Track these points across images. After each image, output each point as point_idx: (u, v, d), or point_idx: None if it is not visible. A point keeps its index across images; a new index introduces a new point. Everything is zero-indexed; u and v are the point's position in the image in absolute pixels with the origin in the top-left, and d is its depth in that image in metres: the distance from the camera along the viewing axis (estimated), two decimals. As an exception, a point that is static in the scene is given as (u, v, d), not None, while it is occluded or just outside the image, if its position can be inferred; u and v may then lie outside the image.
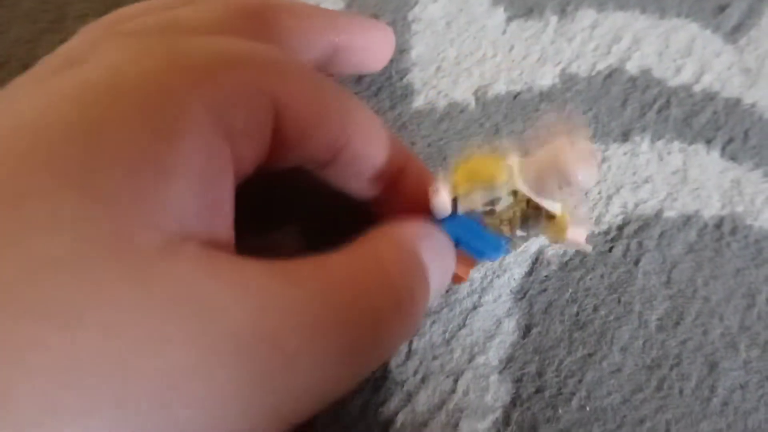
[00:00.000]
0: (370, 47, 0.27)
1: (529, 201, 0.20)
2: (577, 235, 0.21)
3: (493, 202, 0.20)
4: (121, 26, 0.19)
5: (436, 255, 0.21)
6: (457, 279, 0.24)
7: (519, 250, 0.22)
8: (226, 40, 0.19)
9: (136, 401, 0.12)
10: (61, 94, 0.15)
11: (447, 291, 0.27)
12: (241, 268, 0.15)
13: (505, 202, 0.20)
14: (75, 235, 0.13)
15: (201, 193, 0.15)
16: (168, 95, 0.15)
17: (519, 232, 0.22)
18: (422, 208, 0.22)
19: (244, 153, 0.18)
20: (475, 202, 0.21)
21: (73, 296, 0.12)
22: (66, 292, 0.12)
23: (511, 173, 0.20)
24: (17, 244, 0.13)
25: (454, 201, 0.21)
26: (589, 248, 0.22)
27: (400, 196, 0.23)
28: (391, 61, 0.32)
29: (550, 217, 0.21)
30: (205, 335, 0.13)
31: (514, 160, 0.20)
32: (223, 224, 0.17)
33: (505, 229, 0.21)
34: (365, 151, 0.22)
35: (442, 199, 0.21)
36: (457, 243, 0.22)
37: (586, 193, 0.21)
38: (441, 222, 0.22)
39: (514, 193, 0.20)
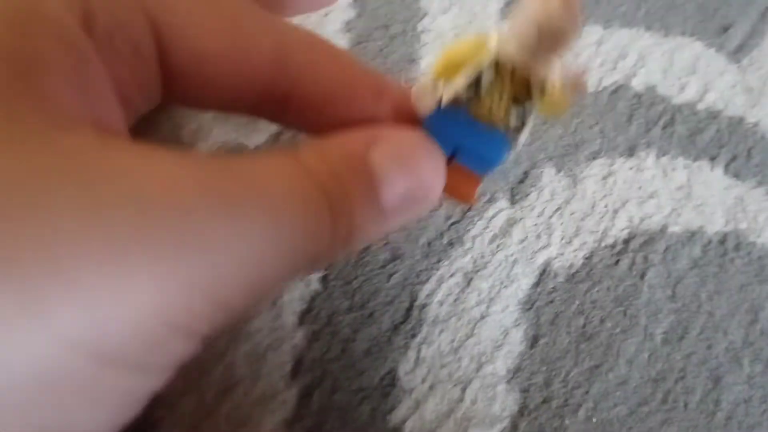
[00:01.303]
0: None
1: (514, 78, 0.18)
2: (576, 76, 0.18)
3: (477, 83, 0.18)
4: None
5: (398, 156, 0.18)
6: (463, 197, 0.21)
7: (518, 148, 0.20)
8: None
9: (22, 267, 0.11)
10: None
11: (457, 214, 0.26)
12: (143, 148, 0.14)
13: (487, 77, 0.18)
14: None
15: (74, 83, 0.15)
16: (28, 5, 0.15)
17: (513, 121, 0.19)
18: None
19: (126, 66, 0.17)
20: (457, 85, 0.18)
21: None
22: None
23: (491, 44, 0.17)
24: None
25: (439, 101, 0.18)
26: (586, 86, 0.19)
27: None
28: (400, 71, 0.32)
29: (542, 90, 0.18)
30: (101, 201, 0.12)
31: (493, 36, 0.17)
32: (112, 118, 0.16)
33: (497, 118, 0.19)
34: (319, 72, 0.19)
35: (423, 91, 0.18)
36: (453, 155, 0.20)
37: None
38: (429, 126, 0.19)
39: (496, 66, 0.18)
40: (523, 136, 0.19)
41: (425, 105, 0.19)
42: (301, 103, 0.19)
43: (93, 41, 0.16)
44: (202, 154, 0.15)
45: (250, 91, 0.19)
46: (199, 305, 0.13)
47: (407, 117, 0.19)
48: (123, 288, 0.12)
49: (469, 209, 0.27)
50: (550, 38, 0.16)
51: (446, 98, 0.18)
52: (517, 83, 0.18)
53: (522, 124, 0.19)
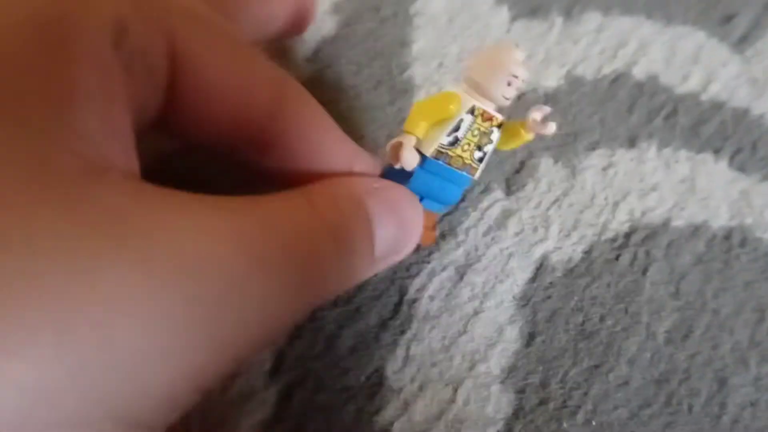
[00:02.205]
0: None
1: (484, 117, 0.21)
2: (536, 117, 0.21)
3: (456, 132, 0.20)
4: None
5: (388, 206, 0.20)
6: (426, 239, 0.23)
7: (476, 176, 0.22)
8: None
9: (74, 327, 0.11)
10: None
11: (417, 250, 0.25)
12: (172, 196, 0.14)
13: (466, 122, 0.20)
14: None
15: (104, 118, 0.14)
16: (62, 15, 0.14)
17: (476, 154, 0.21)
18: None
19: (137, 87, 0.16)
20: (442, 138, 0.20)
21: None
22: None
23: (462, 95, 0.20)
24: None
25: (419, 151, 0.20)
26: (553, 128, 0.21)
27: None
28: (391, 55, 0.31)
29: (500, 125, 0.21)
30: (144, 257, 0.12)
31: (459, 87, 0.21)
32: (132, 156, 0.15)
33: (466, 156, 0.21)
34: (306, 131, 0.19)
35: (408, 149, 0.20)
36: (421, 198, 0.22)
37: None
38: (408, 176, 0.21)
39: (472, 111, 0.20)
40: (480, 171, 0.22)
41: (410, 159, 0.20)
42: (282, 155, 0.20)
43: (119, 61, 0.15)
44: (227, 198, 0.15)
45: (240, 132, 0.19)
46: (224, 366, 0.14)
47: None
48: (166, 357, 0.12)
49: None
50: (509, 74, 0.20)
51: (430, 153, 0.20)
52: (484, 124, 0.21)
53: (482, 154, 0.21)
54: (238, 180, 0.24)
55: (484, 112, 0.21)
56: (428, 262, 0.26)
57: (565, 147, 0.30)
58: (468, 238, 0.27)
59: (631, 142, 0.30)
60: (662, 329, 0.26)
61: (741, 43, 0.35)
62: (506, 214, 0.27)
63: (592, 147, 0.30)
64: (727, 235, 0.29)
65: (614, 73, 0.32)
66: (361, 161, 0.21)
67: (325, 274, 0.17)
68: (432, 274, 0.26)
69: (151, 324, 0.12)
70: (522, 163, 0.29)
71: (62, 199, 0.12)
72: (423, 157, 0.20)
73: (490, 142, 0.21)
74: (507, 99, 0.20)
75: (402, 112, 0.29)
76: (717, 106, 0.32)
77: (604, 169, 0.29)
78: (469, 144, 0.21)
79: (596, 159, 0.30)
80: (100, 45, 0.14)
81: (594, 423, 0.24)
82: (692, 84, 0.33)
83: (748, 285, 0.28)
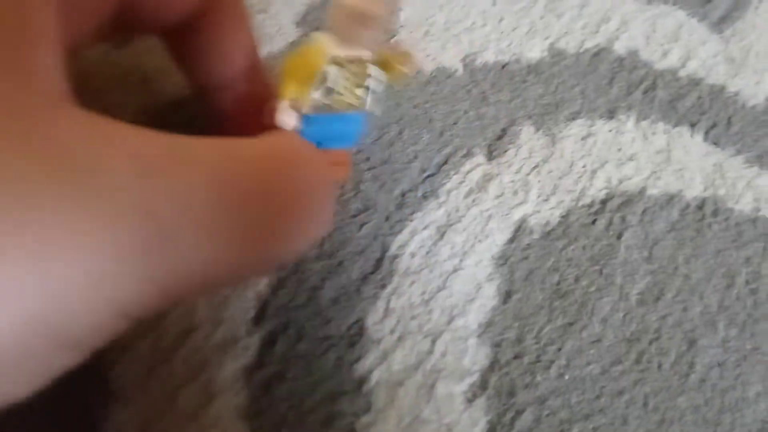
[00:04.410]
0: None
1: (354, 62, 0.21)
2: (411, 58, 0.22)
3: (325, 84, 0.21)
4: None
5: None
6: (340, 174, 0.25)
7: (377, 109, 0.23)
8: None
9: (8, 253, 0.12)
10: None
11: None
12: (124, 130, 0.14)
13: (334, 75, 0.20)
14: None
15: (54, 52, 0.14)
16: None
17: (363, 96, 0.22)
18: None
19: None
20: (312, 95, 0.21)
21: None
22: None
23: (324, 47, 0.20)
24: None
25: (296, 108, 0.21)
26: (426, 67, 0.22)
27: (242, 101, 0.23)
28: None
29: (380, 63, 0.21)
30: (78, 194, 0.12)
31: (321, 38, 0.21)
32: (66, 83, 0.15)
33: (352, 100, 0.21)
34: (220, 30, 0.21)
35: (284, 112, 0.20)
36: (319, 144, 0.22)
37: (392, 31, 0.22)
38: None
39: (337, 62, 0.20)
40: (370, 101, 0.22)
41: (290, 121, 0.21)
42: (198, 44, 0.21)
43: None
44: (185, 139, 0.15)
45: (171, 22, 0.21)
46: (148, 297, 0.14)
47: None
48: (94, 288, 0.12)
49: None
50: (364, 23, 0.19)
51: (306, 110, 0.21)
52: (357, 68, 0.21)
53: (367, 90, 0.22)
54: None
55: (350, 57, 0.21)
56: (410, 221, 0.27)
57: (546, 116, 0.30)
58: (449, 200, 0.27)
59: (611, 114, 0.31)
60: (635, 291, 0.27)
61: (720, 23, 0.36)
62: (487, 178, 0.28)
63: (573, 117, 0.31)
64: (701, 204, 0.30)
65: (596, 48, 0.33)
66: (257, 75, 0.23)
67: (283, 228, 0.17)
68: (414, 233, 0.26)
69: (82, 256, 0.12)
70: (504, 130, 0.30)
71: (16, 131, 0.12)
72: (304, 115, 0.21)
73: (368, 76, 0.21)
74: (372, 41, 0.21)
75: (388, 77, 0.30)
76: (694, 82, 0.33)
77: (584, 138, 0.30)
78: (346, 89, 0.21)
79: (576, 128, 0.30)
80: None
81: (567, 377, 0.25)
82: (671, 60, 0.34)
83: (718, 253, 0.29)
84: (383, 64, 0.22)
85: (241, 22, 0.22)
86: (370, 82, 0.22)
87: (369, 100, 0.22)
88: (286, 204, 0.17)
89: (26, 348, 0.12)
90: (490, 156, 0.29)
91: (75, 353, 0.14)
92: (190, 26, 0.21)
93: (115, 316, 0.13)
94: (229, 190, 0.15)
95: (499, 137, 0.30)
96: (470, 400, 0.24)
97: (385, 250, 0.26)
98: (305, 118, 0.21)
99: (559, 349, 0.25)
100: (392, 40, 0.21)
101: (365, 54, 0.21)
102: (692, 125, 0.32)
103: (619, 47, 0.33)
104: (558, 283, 0.26)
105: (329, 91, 0.21)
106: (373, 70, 0.21)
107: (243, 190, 0.15)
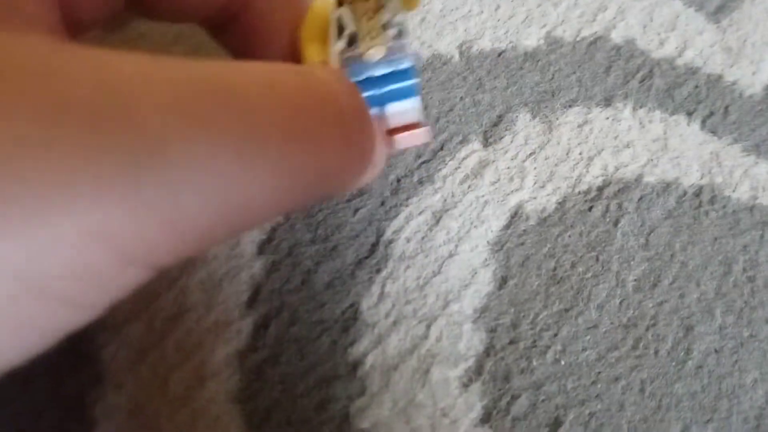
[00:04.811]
0: None
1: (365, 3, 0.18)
2: None
3: (344, 31, 0.18)
4: None
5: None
6: (421, 137, 0.21)
7: (411, 49, 0.19)
8: None
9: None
10: None
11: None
12: (100, 52, 0.12)
13: (346, 16, 0.18)
14: None
15: None
16: None
17: (389, 31, 0.18)
18: None
19: None
20: (336, 47, 0.18)
21: None
22: None
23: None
24: None
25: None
26: None
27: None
28: (375, 8, 0.31)
29: None
30: (50, 103, 0.11)
31: None
32: (55, 14, 0.14)
33: (379, 40, 0.18)
34: (264, 18, 0.19)
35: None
36: (382, 107, 0.20)
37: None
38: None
39: (340, 3, 0.18)
40: (403, 38, 0.19)
41: None
42: (243, 30, 0.19)
43: None
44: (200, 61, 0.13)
45: (205, 6, 0.19)
46: (154, 234, 0.12)
47: None
48: (63, 210, 0.11)
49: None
50: None
51: (338, 65, 0.18)
52: (368, 4, 0.18)
53: (398, 32, 0.18)
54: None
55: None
56: (406, 206, 0.26)
57: (542, 103, 0.30)
58: (445, 185, 0.27)
59: (607, 102, 0.31)
60: (631, 277, 0.27)
61: (717, 13, 0.36)
62: (483, 164, 0.28)
63: (569, 105, 0.30)
64: (698, 192, 0.29)
65: (593, 36, 0.33)
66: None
67: (326, 157, 0.15)
68: (409, 218, 0.26)
69: (53, 172, 0.10)
70: (500, 117, 0.30)
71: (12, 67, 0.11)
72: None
73: (381, 7, 0.18)
74: None
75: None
76: (692, 71, 0.33)
77: (580, 125, 0.30)
78: (369, 29, 0.18)
79: (572, 116, 0.30)
80: None
81: (562, 363, 0.24)
82: (668, 49, 0.33)
83: (715, 240, 0.28)
84: None
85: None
86: (388, 13, 0.18)
87: (395, 32, 0.19)
88: (317, 126, 0.15)
89: (17, 307, 0.11)
90: (486, 142, 0.29)
91: (78, 310, 0.12)
92: (232, 13, 0.19)
93: (117, 262, 0.11)
94: (239, 99, 0.13)
95: (495, 124, 0.29)
96: (465, 385, 0.23)
97: (380, 234, 0.26)
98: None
99: (555, 335, 0.25)
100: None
101: None
102: (689, 114, 0.32)
103: (616, 36, 0.33)
104: (554, 269, 0.26)
105: (352, 38, 0.18)
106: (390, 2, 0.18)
107: (275, 111, 0.14)
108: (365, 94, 0.18)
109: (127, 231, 0.11)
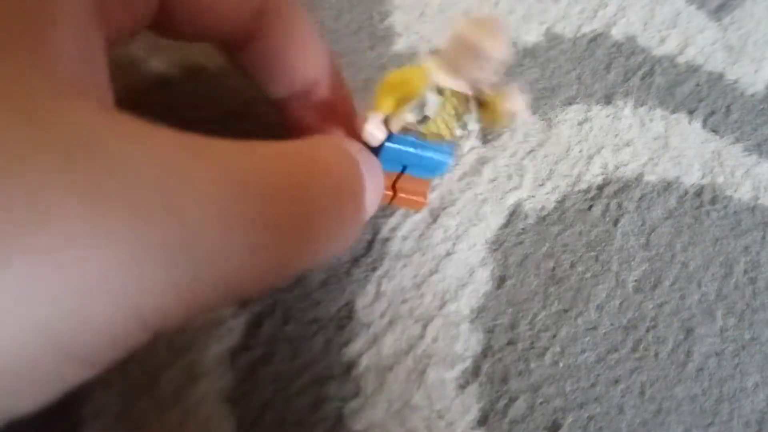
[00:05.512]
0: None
1: (457, 95, 0.19)
2: (516, 104, 0.20)
3: (423, 109, 0.19)
4: None
5: (371, 170, 0.19)
6: (417, 204, 0.23)
7: (464, 150, 0.23)
8: None
9: (16, 255, 0.10)
10: None
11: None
12: (147, 129, 0.13)
13: (433, 103, 0.19)
14: None
15: (80, 39, 0.13)
16: None
17: (458, 131, 0.20)
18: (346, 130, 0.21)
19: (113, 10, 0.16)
20: (406, 116, 0.20)
21: None
22: None
23: (430, 72, 0.19)
24: None
25: (386, 124, 0.20)
26: (530, 116, 0.21)
27: (316, 111, 0.22)
28: (372, 2, 0.30)
29: (482, 102, 0.20)
30: (97, 189, 0.11)
31: (429, 62, 0.19)
32: (105, 83, 0.15)
33: (444, 133, 0.20)
34: (281, 41, 0.20)
35: (373, 124, 0.20)
36: (404, 168, 0.22)
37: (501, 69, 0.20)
38: (379, 149, 0.21)
39: (440, 91, 0.19)
40: (468, 144, 0.22)
41: (375, 135, 0.20)
42: (256, 56, 0.20)
43: None
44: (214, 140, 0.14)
45: (226, 34, 0.19)
46: (178, 312, 0.13)
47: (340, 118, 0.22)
48: (113, 298, 0.11)
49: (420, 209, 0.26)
50: (480, 60, 0.18)
51: (396, 129, 0.20)
52: (458, 101, 0.20)
53: (465, 131, 0.21)
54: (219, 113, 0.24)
55: (453, 89, 0.19)
56: (402, 204, 0.26)
57: (542, 100, 0.30)
58: (443, 183, 0.27)
59: (608, 99, 0.31)
60: (632, 278, 0.26)
61: (718, 11, 0.35)
62: (481, 161, 0.27)
63: (569, 102, 0.30)
64: (699, 192, 0.29)
65: (593, 33, 0.32)
66: (334, 85, 0.22)
67: (316, 234, 0.16)
68: (406, 215, 0.26)
69: (99, 257, 0.11)
70: (499, 114, 0.29)
71: (28, 120, 0.11)
72: (391, 133, 0.20)
73: (467, 113, 0.20)
74: (481, 80, 0.19)
75: (381, 57, 0.29)
76: (693, 69, 0.33)
77: (580, 123, 0.29)
78: (442, 120, 0.20)
79: (572, 113, 0.30)
80: None
81: (561, 364, 0.24)
82: (669, 47, 0.33)
83: (717, 241, 0.28)
84: (485, 106, 0.20)
85: (305, 30, 0.21)
86: (468, 120, 0.20)
87: (461, 136, 0.21)
88: (313, 205, 0.16)
89: (33, 361, 0.11)
90: (485, 139, 0.28)
91: (88, 367, 0.12)
92: (249, 37, 0.20)
93: (134, 326, 0.12)
94: (255, 190, 0.14)
95: (494, 121, 0.29)
96: (462, 387, 0.23)
97: (376, 232, 0.25)
98: (393, 137, 0.20)
99: (554, 336, 0.24)
100: (501, 84, 0.19)
101: (469, 90, 0.20)
102: (690, 112, 0.31)
103: (617, 33, 0.33)
104: (553, 269, 0.26)
105: (424, 118, 0.20)
106: (473, 108, 0.20)
107: (269, 189, 0.14)
108: (400, 147, 0.21)
109: (150, 302, 0.12)
